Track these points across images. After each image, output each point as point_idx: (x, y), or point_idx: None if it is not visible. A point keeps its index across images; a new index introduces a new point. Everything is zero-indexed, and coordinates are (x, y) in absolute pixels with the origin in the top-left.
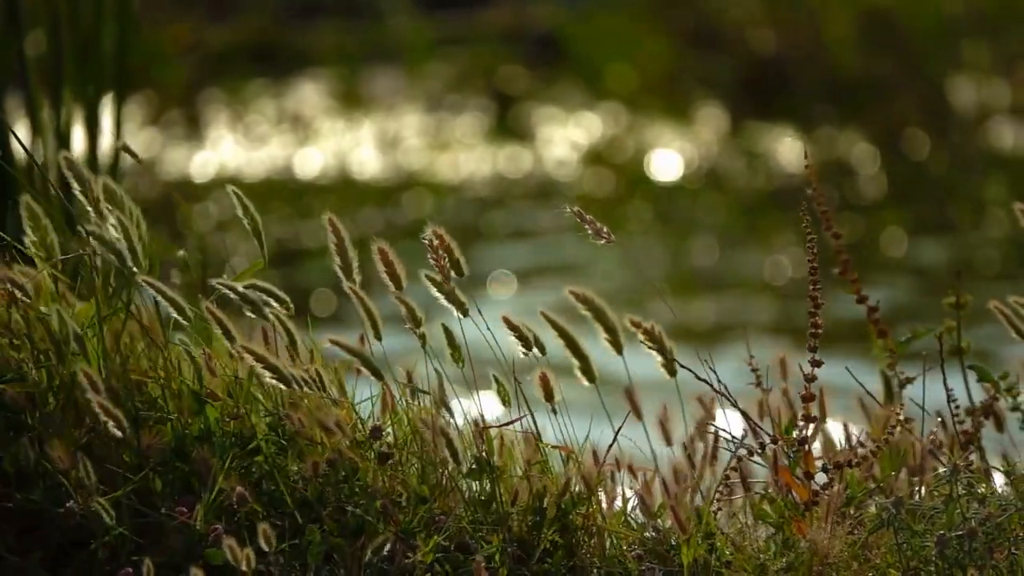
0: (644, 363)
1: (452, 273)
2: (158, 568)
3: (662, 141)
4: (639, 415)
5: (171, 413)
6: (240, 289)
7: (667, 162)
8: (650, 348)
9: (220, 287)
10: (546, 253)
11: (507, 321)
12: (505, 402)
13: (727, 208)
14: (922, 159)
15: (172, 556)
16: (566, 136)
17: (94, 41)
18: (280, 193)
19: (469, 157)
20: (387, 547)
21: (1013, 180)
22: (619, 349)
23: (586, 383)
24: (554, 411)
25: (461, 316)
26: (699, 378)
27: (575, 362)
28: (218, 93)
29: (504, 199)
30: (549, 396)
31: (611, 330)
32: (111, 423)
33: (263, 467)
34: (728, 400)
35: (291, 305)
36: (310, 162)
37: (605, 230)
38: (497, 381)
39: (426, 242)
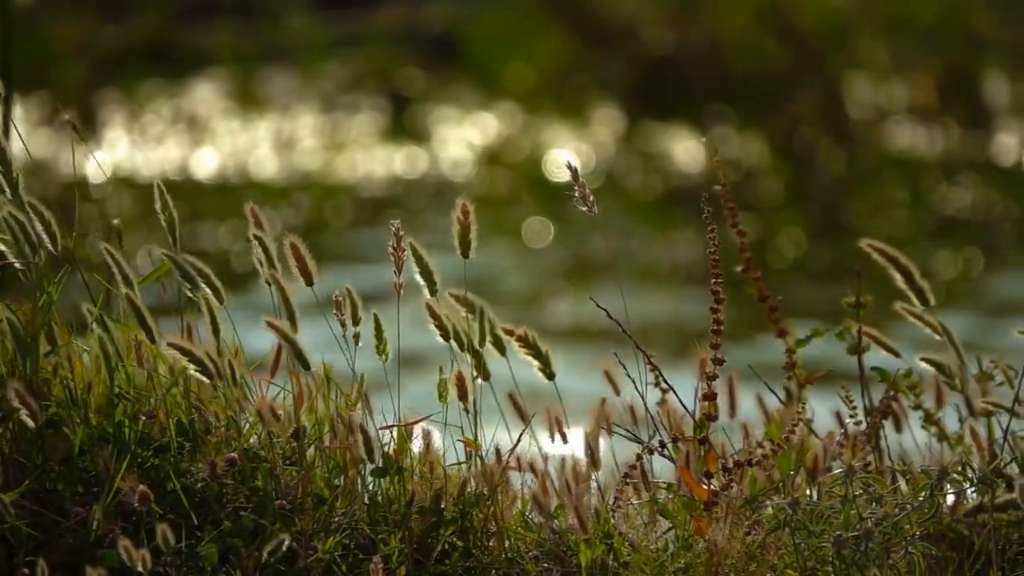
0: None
1: (460, 253)
2: (55, 568)
3: (558, 141)
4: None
5: (75, 415)
6: (182, 261)
7: (563, 162)
8: (527, 355)
9: (164, 255)
10: (444, 253)
11: (430, 309)
12: (441, 398)
13: (624, 208)
14: (819, 159)
15: (68, 556)
16: (462, 136)
17: None
18: (176, 193)
19: (365, 158)
20: (284, 547)
21: (909, 181)
22: (550, 376)
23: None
24: (467, 411)
25: (431, 296)
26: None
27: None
28: (113, 93)
29: (400, 200)
30: (463, 396)
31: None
32: (25, 412)
33: (165, 467)
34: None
35: (223, 295)
36: (206, 162)
37: (592, 199)
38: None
39: (392, 229)
